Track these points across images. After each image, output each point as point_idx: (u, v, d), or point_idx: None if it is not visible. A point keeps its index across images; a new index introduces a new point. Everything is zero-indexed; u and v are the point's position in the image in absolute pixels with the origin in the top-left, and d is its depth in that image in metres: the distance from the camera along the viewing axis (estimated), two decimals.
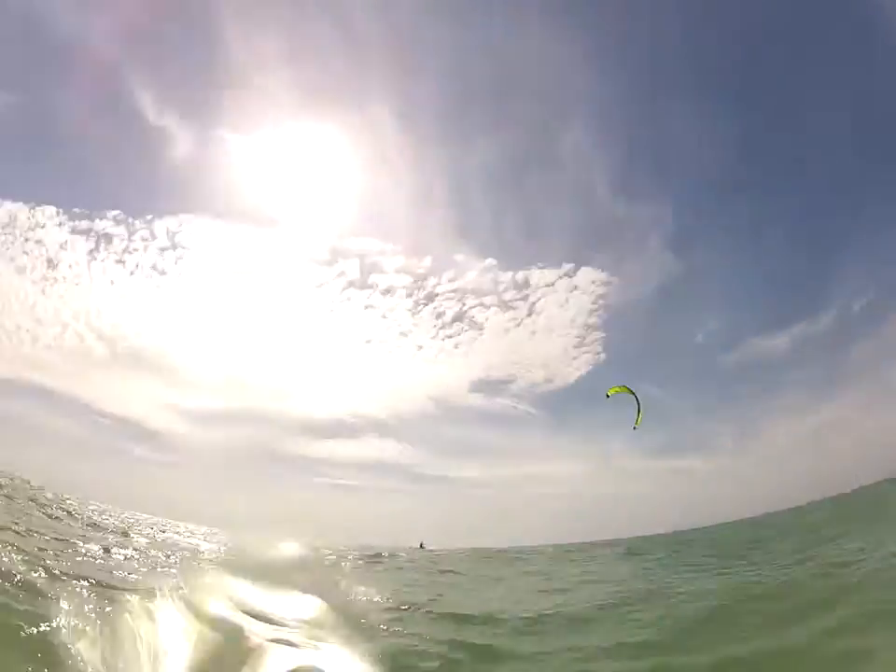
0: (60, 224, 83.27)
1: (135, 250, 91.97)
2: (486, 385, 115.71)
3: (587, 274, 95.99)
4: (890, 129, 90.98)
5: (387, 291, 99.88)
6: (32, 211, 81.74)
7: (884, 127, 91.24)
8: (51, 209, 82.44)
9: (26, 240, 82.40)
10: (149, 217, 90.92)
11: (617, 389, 12.35)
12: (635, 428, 12.15)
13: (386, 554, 27.85)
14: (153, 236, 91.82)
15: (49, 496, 26.38)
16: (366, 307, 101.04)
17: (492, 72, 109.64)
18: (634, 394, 12.30)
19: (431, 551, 41.51)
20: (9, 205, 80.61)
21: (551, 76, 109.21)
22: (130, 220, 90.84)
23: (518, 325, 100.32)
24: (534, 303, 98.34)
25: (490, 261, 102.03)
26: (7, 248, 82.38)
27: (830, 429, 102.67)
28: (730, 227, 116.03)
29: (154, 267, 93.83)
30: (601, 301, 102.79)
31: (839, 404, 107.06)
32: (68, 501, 28.04)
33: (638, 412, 12.16)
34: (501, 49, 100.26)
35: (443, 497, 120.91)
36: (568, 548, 33.78)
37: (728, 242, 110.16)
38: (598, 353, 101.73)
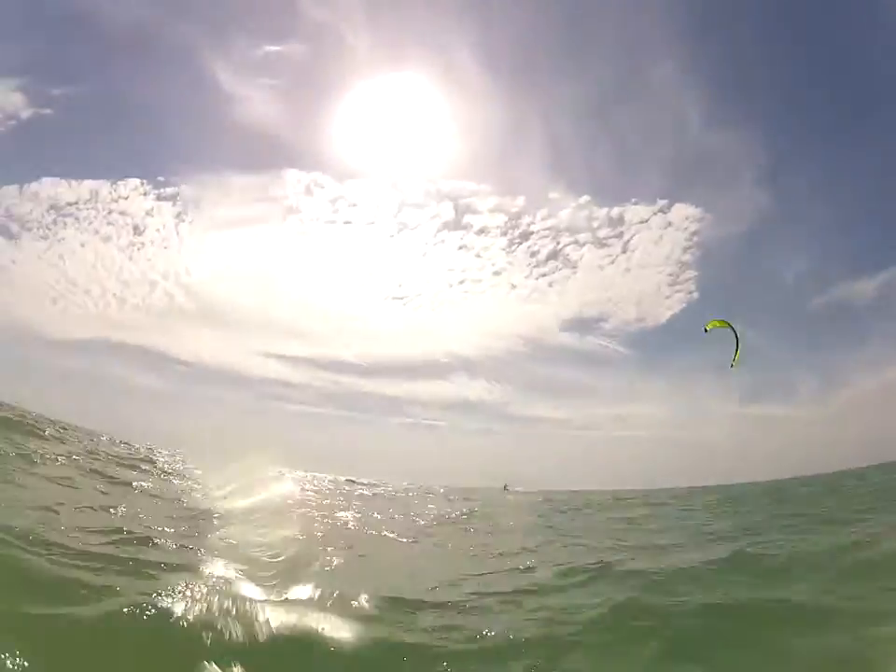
0: (145, 194, 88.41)
1: (223, 206, 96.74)
2: (578, 324, 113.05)
3: (681, 210, 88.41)
4: None
5: (481, 231, 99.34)
6: (113, 185, 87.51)
7: None
8: (135, 181, 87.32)
9: (109, 212, 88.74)
10: (236, 175, 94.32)
11: (717, 323, 11.43)
12: (732, 366, 11.22)
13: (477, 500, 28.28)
14: (243, 192, 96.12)
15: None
16: (460, 247, 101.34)
17: (575, 4, 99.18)
18: (733, 329, 11.27)
19: (517, 491, 41.45)
20: (90, 183, 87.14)
21: (636, 7, 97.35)
22: (217, 180, 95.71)
23: (612, 262, 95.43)
24: (628, 241, 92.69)
25: (584, 198, 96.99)
26: (91, 223, 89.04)
27: None
28: (826, 161, 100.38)
29: (244, 220, 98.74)
30: (695, 239, 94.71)
31: None
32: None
33: (737, 349, 11.17)
34: None
35: (531, 437, 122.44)
36: (665, 494, 32.21)
37: (823, 176, 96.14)
38: (691, 291, 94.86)
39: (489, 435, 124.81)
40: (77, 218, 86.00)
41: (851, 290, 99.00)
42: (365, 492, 29.18)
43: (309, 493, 21.16)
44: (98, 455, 17.67)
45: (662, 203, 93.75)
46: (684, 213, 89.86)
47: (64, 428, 23.68)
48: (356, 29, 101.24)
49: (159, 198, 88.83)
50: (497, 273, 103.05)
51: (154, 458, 22.97)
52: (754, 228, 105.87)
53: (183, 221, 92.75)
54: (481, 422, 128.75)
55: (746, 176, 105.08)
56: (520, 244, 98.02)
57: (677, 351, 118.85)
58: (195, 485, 15.01)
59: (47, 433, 17.93)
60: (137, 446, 29.19)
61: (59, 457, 13.47)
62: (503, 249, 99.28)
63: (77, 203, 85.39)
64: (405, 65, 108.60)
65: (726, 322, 11.40)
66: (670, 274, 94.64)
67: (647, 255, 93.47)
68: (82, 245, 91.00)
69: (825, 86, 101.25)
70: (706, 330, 11.17)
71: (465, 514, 18.69)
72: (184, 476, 17.38)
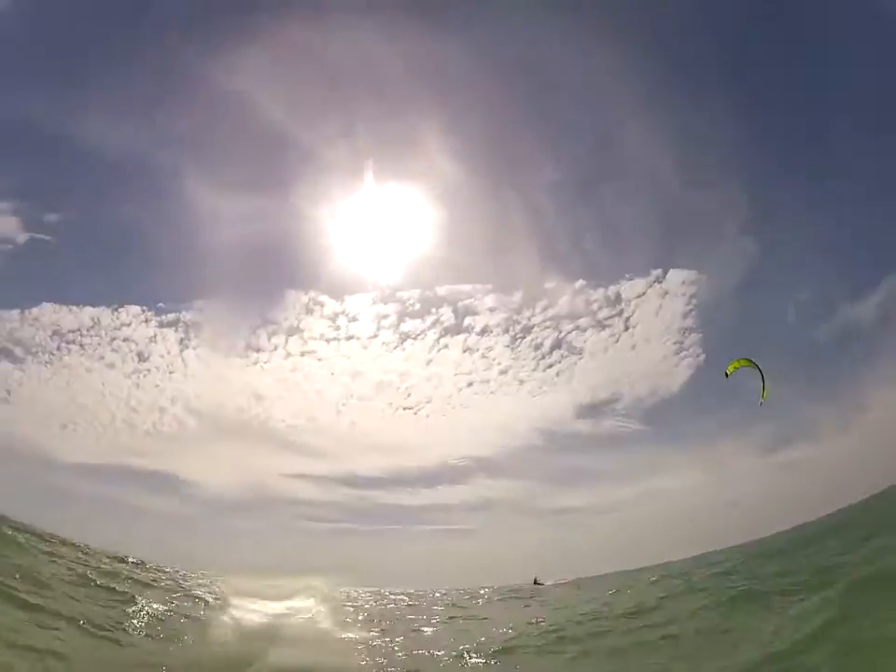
0: (146, 321, 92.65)
1: (226, 334, 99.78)
2: (591, 409, 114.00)
3: (676, 276, 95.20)
4: None
5: (483, 331, 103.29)
6: (115, 313, 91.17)
7: None
8: (135, 308, 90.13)
9: (112, 339, 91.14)
10: (235, 298, 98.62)
11: (737, 364, 11.31)
12: (761, 403, 11.13)
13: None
14: (244, 317, 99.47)
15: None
16: (464, 350, 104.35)
17: (537, 88, 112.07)
18: (756, 365, 11.28)
19: (545, 585, 41.02)
20: (90, 310, 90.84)
21: (598, 81, 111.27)
22: (216, 307, 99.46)
23: (616, 341, 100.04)
24: (628, 317, 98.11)
25: (580, 283, 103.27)
26: (95, 349, 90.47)
27: None
28: (802, 194, 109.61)
29: (248, 346, 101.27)
30: (693, 301, 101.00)
31: None
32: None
33: (763, 383, 11.21)
34: (542, 63, 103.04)
35: (556, 528, 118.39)
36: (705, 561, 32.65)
37: (803, 210, 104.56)
38: (698, 355, 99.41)
39: (515, 532, 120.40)
40: (80, 345, 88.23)
41: (853, 312, 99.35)
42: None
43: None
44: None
45: (656, 272, 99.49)
46: (679, 278, 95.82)
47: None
48: (334, 146, 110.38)
49: (161, 325, 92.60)
50: (503, 372, 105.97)
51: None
52: (748, 276, 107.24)
53: (187, 347, 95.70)
54: (505, 520, 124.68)
55: (731, 228, 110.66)
56: (523, 338, 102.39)
57: (692, 417, 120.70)
58: None
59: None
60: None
61: None
62: (507, 346, 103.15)
63: (79, 329, 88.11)
64: (385, 176, 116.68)
65: (747, 360, 11.23)
66: (675, 342, 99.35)
67: (649, 327, 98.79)
68: (88, 371, 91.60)
69: (797, 123, 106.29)
70: (727, 375, 11.00)
71: None
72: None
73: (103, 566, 19.62)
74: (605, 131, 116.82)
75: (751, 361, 11.49)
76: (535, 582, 43.05)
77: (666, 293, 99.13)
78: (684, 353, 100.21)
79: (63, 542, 21.56)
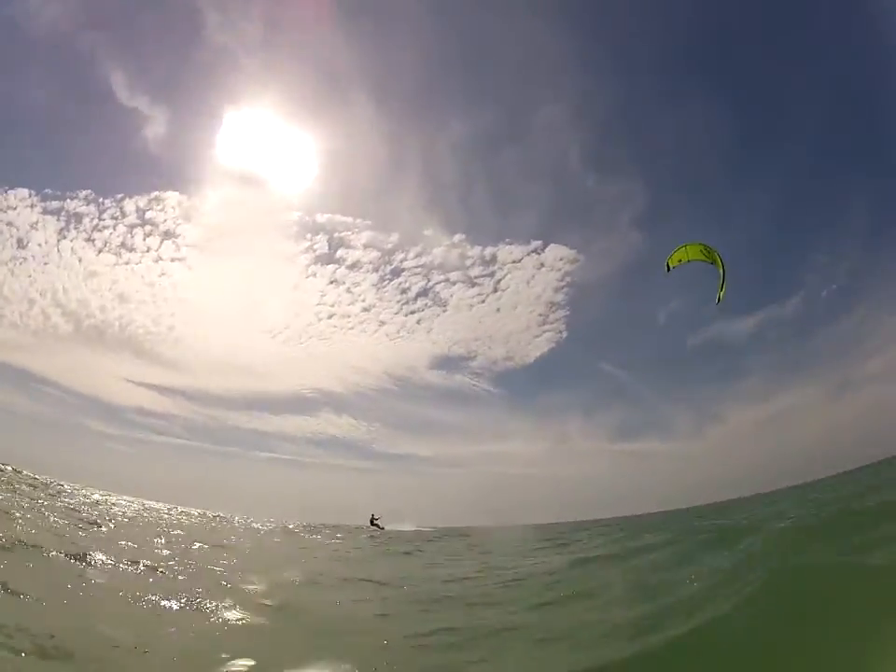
0: (31, 206, 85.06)
1: (105, 228, 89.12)
2: (446, 362, 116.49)
3: (555, 251, 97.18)
4: (868, 120, 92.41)
5: (354, 266, 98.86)
6: (4, 195, 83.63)
7: (862, 115, 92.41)
8: (24, 191, 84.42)
9: None
10: (120, 195, 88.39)
11: (684, 254, 8.59)
12: (718, 302, 8.67)
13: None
14: (123, 214, 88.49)
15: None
16: (331, 281, 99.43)
17: (467, 46, 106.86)
18: (711, 255, 8.63)
19: (382, 529, 37.26)
20: None
21: (525, 50, 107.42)
22: (100, 200, 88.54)
23: (483, 301, 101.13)
24: (500, 280, 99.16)
25: (459, 237, 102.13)
26: None
27: (789, 417, 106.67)
28: (703, 204, 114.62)
29: (123, 244, 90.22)
30: (567, 279, 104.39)
31: (800, 392, 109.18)
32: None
33: (723, 278, 8.64)
34: (476, 23, 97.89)
35: (398, 475, 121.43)
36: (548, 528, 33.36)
37: (698, 221, 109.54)
38: (561, 331, 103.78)
39: (356, 472, 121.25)
40: None
41: (726, 329, 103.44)
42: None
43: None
44: None
45: (536, 243, 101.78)
46: (558, 254, 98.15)
47: None
48: (249, 50, 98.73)
49: (44, 211, 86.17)
50: (366, 309, 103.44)
51: None
52: (628, 269, 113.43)
53: (65, 238, 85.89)
54: (347, 459, 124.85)
55: (623, 220, 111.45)
56: (391, 280, 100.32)
57: (544, 390, 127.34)
58: None
59: None
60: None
61: None
62: (374, 285, 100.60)
63: None
64: (293, 91, 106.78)
65: (701, 247, 8.48)
66: (540, 315, 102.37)
67: (517, 294, 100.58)
68: None
69: (705, 142, 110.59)
70: (668, 268, 8.57)
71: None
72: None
73: None
74: (521, 97, 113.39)
75: (708, 250, 8.65)
76: (372, 522, 39.13)
77: (542, 265, 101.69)
78: (547, 326, 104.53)
79: None
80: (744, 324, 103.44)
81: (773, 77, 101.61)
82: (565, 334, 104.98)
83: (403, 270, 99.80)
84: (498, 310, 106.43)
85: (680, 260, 8.72)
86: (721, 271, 8.56)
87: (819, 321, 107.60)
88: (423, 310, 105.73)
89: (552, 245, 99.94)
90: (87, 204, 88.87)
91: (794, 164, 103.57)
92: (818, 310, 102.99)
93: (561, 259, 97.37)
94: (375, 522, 39.03)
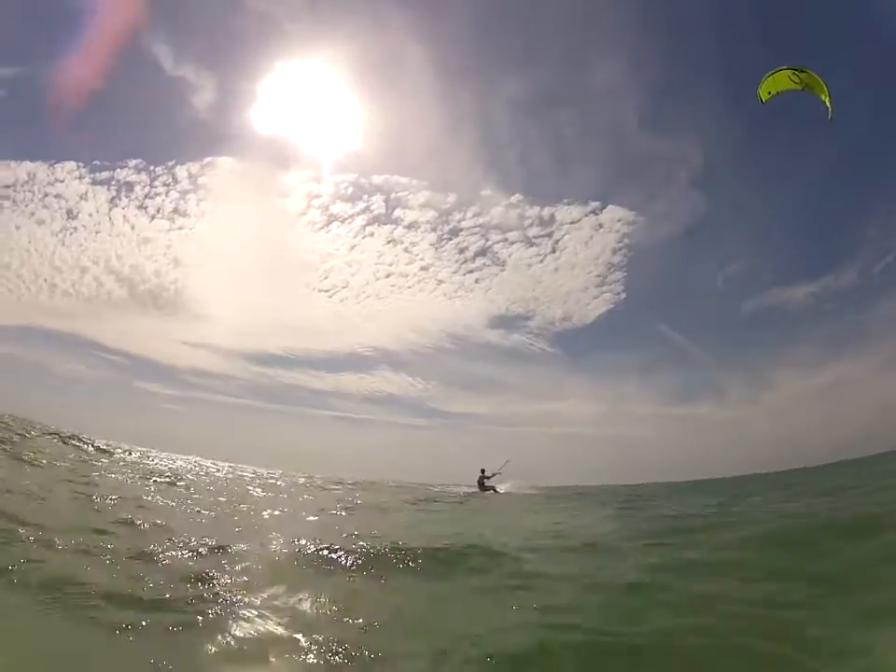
0: (80, 177, 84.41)
1: (157, 195, 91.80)
2: (504, 321, 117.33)
3: (613, 212, 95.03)
4: None
5: (411, 226, 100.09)
6: (51, 168, 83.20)
7: None
8: (71, 164, 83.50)
9: (45, 195, 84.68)
10: (171, 163, 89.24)
11: (775, 82, 8.06)
12: (831, 119, 8.18)
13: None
14: (175, 181, 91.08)
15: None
16: (388, 241, 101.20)
17: (521, 3, 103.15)
18: (818, 80, 8.04)
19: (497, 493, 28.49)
20: (28, 165, 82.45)
21: (582, 8, 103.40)
22: (151, 168, 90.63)
23: (541, 261, 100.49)
24: (558, 240, 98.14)
25: (516, 197, 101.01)
26: (27, 205, 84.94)
27: (843, 389, 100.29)
28: (760, 169, 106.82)
29: (176, 210, 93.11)
30: (626, 240, 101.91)
31: (854, 365, 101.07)
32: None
33: (829, 97, 8.06)
34: None
35: (453, 432, 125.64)
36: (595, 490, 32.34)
37: (757, 184, 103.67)
38: (619, 293, 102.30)
39: (415, 429, 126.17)
40: (13, 200, 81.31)
41: (782, 296, 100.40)
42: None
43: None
44: None
45: (594, 204, 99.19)
46: (616, 215, 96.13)
47: None
48: (293, 14, 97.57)
49: (94, 182, 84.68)
50: (424, 269, 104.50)
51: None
52: (686, 232, 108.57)
53: (116, 206, 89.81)
54: (405, 416, 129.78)
55: (680, 181, 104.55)
56: (449, 239, 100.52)
57: (602, 351, 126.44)
58: None
59: None
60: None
61: None
62: (432, 245, 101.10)
63: (14, 184, 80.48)
64: (344, 54, 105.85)
65: (788, 73, 7.86)
66: (598, 276, 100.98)
67: (575, 255, 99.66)
68: (17, 228, 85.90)
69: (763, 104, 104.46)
70: (762, 101, 8.06)
71: None
72: None
73: None
74: (577, 57, 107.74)
75: (797, 72, 7.92)
76: (482, 485, 26.44)
77: (601, 226, 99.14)
78: (605, 287, 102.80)
79: None
80: (801, 291, 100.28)
81: (834, 29, 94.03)
82: (623, 295, 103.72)
83: (461, 230, 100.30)
84: (557, 270, 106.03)
85: (770, 92, 8.24)
86: (826, 90, 7.98)
87: (873, 296, 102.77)
88: (481, 269, 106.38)
89: (610, 205, 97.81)
90: (137, 173, 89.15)
91: (859, 128, 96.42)
92: (871, 285, 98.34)
93: (619, 220, 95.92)
94: (487, 481, 26.66)
